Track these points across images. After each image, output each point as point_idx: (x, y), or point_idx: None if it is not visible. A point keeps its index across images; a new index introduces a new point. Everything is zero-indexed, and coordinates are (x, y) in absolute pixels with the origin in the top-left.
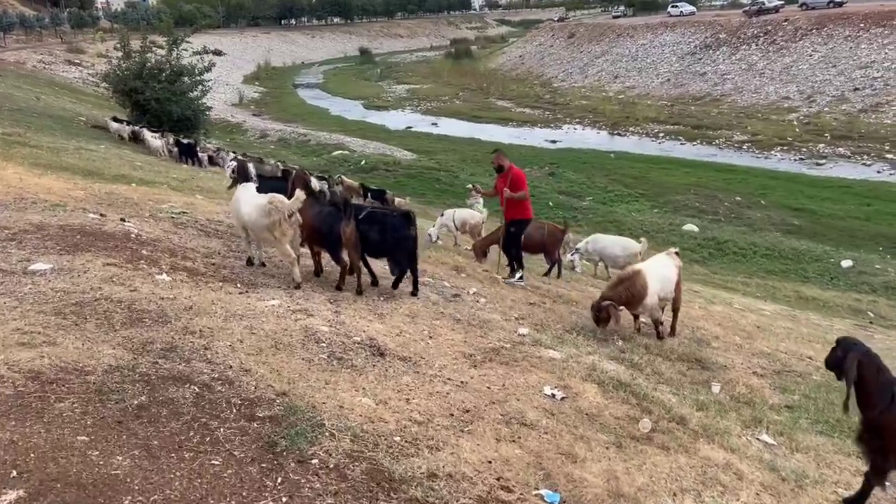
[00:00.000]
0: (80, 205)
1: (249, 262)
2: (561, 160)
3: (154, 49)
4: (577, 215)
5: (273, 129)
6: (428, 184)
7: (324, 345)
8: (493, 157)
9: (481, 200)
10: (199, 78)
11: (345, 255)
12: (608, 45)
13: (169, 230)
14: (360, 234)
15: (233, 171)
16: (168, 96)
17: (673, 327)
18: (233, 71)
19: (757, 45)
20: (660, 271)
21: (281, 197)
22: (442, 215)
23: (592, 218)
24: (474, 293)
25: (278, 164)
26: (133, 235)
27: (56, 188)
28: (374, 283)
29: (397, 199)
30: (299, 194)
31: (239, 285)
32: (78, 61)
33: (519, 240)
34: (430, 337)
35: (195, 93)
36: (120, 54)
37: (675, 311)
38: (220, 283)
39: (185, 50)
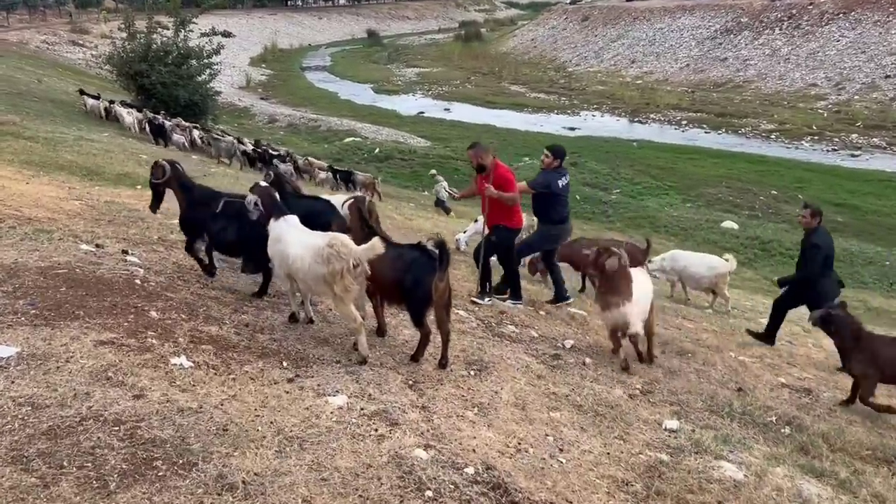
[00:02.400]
0: (72, 227)
1: (293, 318)
2: (582, 149)
3: (160, 30)
4: (607, 210)
5: (282, 114)
6: (446, 174)
7: (429, 492)
8: (470, 153)
9: (445, 184)
10: (207, 61)
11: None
12: (624, 28)
13: (184, 266)
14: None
15: (255, 204)
16: (175, 80)
17: (649, 353)
18: (239, 53)
19: (781, 29)
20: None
21: (345, 238)
22: (476, 221)
23: (624, 213)
24: (571, 347)
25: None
26: (138, 283)
27: (46, 199)
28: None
29: (361, 175)
30: (376, 243)
31: (285, 364)
32: (82, 42)
33: (509, 253)
34: (561, 450)
35: (203, 76)
36: (124, 35)
37: (650, 335)
38: (260, 364)
39: (192, 31)
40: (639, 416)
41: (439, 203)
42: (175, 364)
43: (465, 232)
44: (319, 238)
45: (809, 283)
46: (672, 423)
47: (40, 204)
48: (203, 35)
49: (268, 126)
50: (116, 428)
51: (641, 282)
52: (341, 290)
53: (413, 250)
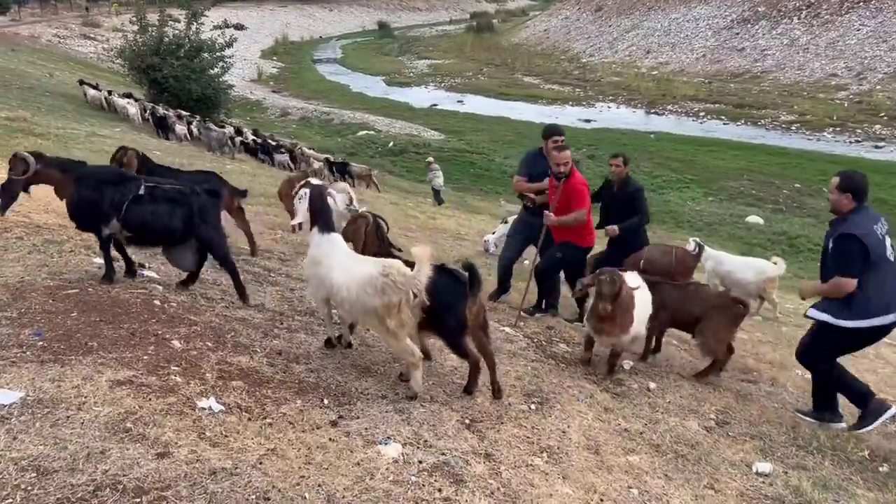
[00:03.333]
0: (84, 235)
1: (329, 344)
2: (599, 141)
3: (172, 23)
4: None
5: (294, 107)
6: (462, 168)
7: None
8: (559, 155)
9: (441, 174)
10: (219, 54)
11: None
12: (638, 18)
13: (206, 280)
14: None
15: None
16: (187, 74)
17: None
18: (250, 45)
19: (799, 18)
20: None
21: (400, 265)
22: (505, 221)
23: None
24: (631, 369)
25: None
26: (157, 305)
27: (57, 203)
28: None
29: (356, 167)
30: (425, 266)
31: (326, 401)
32: (93, 35)
33: (577, 272)
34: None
35: (216, 70)
36: (136, 28)
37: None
38: (299, 403)
39: (204, 24)
40: (723, 456)
41: (434, 192)
42: (203, 408)
43: (493, 233)
44: (370, 266)
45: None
46: (763, 466)
47: (51, 209)
48: (215, 28)
49: (280, 119)
50: (138, 500)
51: (640, 299)
52: (397, 324)
53: (441, 274)
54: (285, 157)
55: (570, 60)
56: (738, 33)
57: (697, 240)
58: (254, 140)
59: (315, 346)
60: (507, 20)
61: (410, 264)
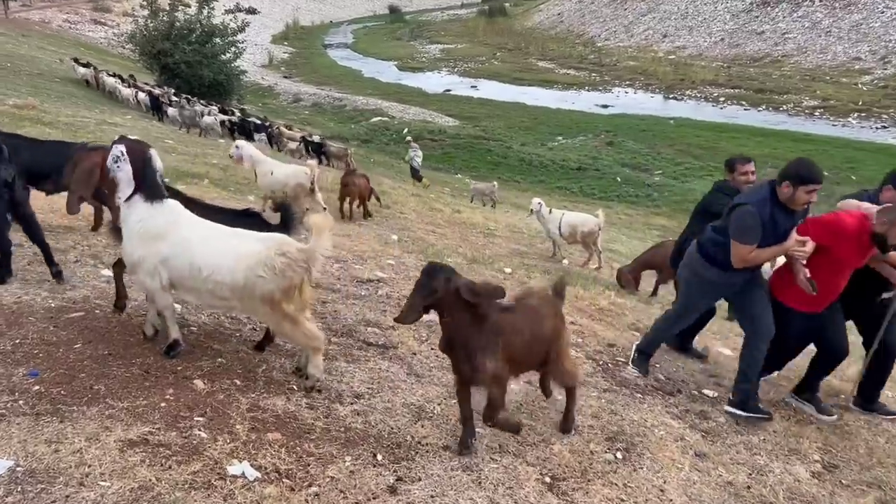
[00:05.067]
0: (91, 242)
1: (175, 346)
2: (617, 127)
3: (183, 7)
4: (651, 193)
5: (306, 93)
6: (479, 156)
7: None
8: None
9: (420, 153)
10: (231, 39)
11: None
12: (654, 1)
13: None
14: None
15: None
16: (199, 59)
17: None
18: (261, 30)
19: (821, 0)
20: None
21: (289, 240)
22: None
23: (669, 197)
24: (716, 398)
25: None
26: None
27: (62, 202)
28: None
29: (334, 147)
30: (325, 237)
31: (380, 456)
32: (104, 21)
33: (800, 341)
34: None
35: (228, 55)
36: (146, 13)
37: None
38: (348, 461)
39: (215, 8)
40: None
41: (412, 171)
42: (235, 476)
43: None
44: (255, 242)
45: None
46: None
47: (55, 208)
48: (227, 12)
49: (292, 106)
50: None
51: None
52: (297, 307)
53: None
54: (263, 136)
55: (585, 45)
56: (757, 16)
57: None
58: (229, 120)
59: (358, 377)
60: (519, 4)
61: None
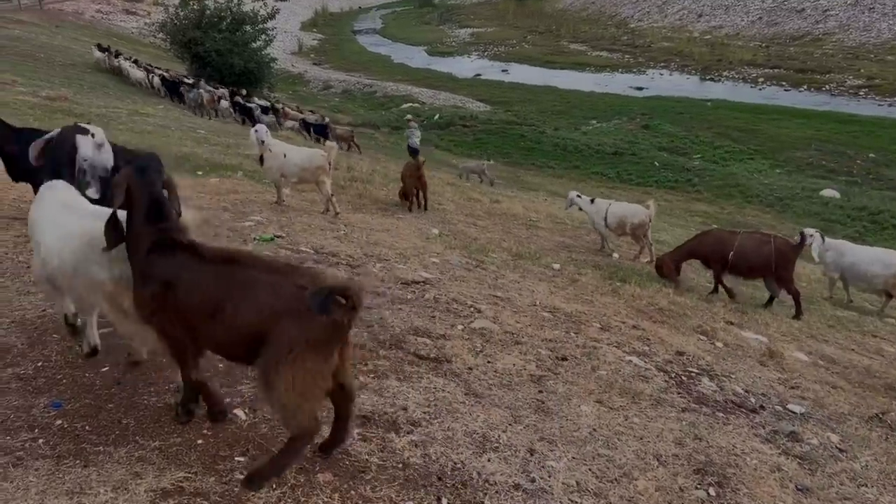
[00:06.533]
0: None
1: (94, 352)
2: (653, 110)
3: None
4: (691, 178)
5: (336, 80)
6: (512, 141)
7: None
8: None
9: (419, 133)
10: (261, 26)
11: None
12: None
13: None
14: None
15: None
16: (230, 47)
17: None
18: (290, 17)
19: None
20: None
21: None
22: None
23: (710, 181)
24: (804, 415)
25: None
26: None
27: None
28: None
29: (339, 129)
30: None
31: (445, 501)
32: (135, 10)
33: None
34: None
35: (258, 43)
36: (177, 2)
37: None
38: None
39: None
40: None
41: (410, 149)
42: None
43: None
44: (92, 221)
45: None
46: None
47: None
48: None
49: (322, 93)
50: None
51: None
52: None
53: None
54: (272, 119)
55: (618, 26)
56: None
57: (816, 231)
58: (234, 103)
59: (413, 399)
60: None
61: None
